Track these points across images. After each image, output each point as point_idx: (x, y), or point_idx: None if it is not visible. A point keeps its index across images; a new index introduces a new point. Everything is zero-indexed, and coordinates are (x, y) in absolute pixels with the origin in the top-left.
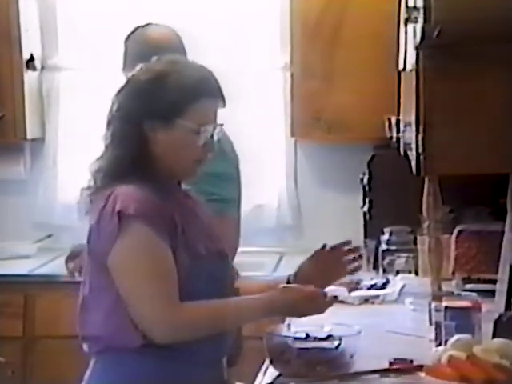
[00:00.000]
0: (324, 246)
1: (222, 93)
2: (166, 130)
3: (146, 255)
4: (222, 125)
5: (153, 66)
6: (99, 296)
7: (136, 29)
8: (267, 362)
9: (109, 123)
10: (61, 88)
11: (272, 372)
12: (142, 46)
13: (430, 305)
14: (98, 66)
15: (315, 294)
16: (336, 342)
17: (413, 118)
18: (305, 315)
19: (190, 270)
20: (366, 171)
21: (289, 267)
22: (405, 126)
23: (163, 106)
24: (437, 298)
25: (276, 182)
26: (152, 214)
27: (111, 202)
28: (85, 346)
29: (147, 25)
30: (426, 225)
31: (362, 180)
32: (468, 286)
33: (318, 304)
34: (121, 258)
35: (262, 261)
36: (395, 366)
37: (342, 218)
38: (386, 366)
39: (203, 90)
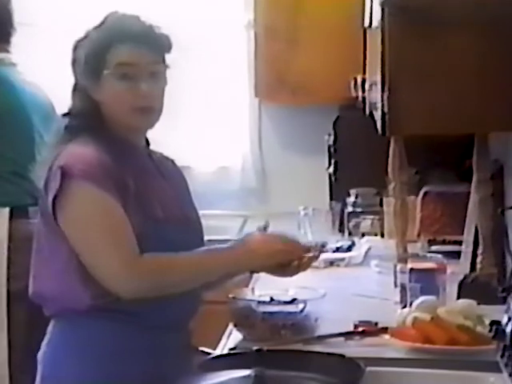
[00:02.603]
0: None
1: (150, 38)
2: (98, 83)
3: (95, 210)
4: (153, 72)
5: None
6: (50, 257)
7: None
8: (231, 326)
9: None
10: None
11: (236, 336)
12: None
13: (395, 267)
14: (54, 23)
15: (278, 237)
16: (300, 306)
17: (378, 77)
18: (273, 264)
19: (145, 235)
20: (332, 133)
21: (253, 230)
22: (370, 85)
23: (89, 61)
24: (402, 260)
25: (240, 144)
26: (98, 172)
27: (58, 161)
28: (44, 310)
29: None
30: (391, 186)
31: (327, 141)
32: (433, 248)
33: (284, 250)
34: (71, 216)
35: (225, 224)
36: (360, 329)
37: (307, 180)
38: (350, 328)
39: (119, 37)
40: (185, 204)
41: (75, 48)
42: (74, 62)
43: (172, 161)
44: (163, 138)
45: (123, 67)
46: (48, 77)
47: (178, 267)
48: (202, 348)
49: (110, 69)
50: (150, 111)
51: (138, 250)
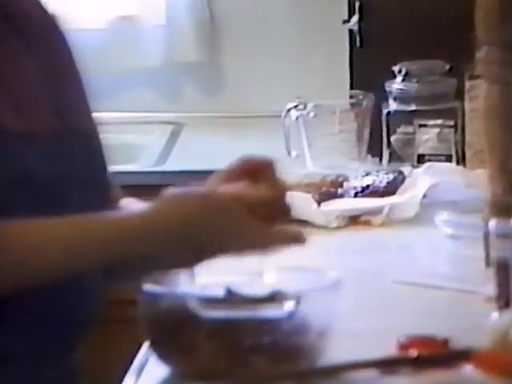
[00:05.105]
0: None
1: None
2: None
3: None
4: None
5: None
6: None
7: None
8: (146, 347)
9: None
10: None
11: (155, 369)
12: None
13: (485, 225)
14: None
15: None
16: (289, 306)
17: None
18: (237, 245)
19: None
20: None
21: (192, 153)
22: None
23: None
24: (501, 210)
25: None
26: None
27: None
28: None
29: None
30: (481, 54)
31: None
32: None
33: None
34: None
35: (138, 142)
36: (412, 352)
37: (303, 46)
38: (392, 351)
39: None
40: (71, 98)
41: None
42: None
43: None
44: None
45: None
46: None
47: (49, 242)
48: None
49: None
50: None
51: None
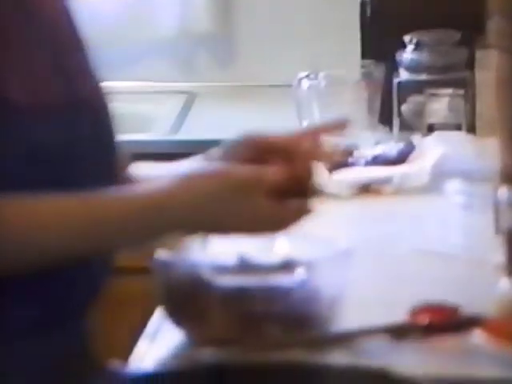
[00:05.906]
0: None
1: None
2: None
3: None
4: None
5: None
6: None
7: None
8: (159, 314)
9: None
10: None
11: (170, 335)
12: None
13: (495, 195)
14: None
15: (268, 176)
16: (299, 275)
17: None
18: (250, 228)
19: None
20: None
21: (205, 123)
22: None
23: None
24: (511, 179)
25: None
26: None
27: None
28: None
29: None
30: (492, 25)
31: None
32: None
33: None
34: None
35: (152, 111)
36: (422, 319)
37: (317, 16)
38: (403, 318)
39: None
40: (77, 69)
41: None
42: None
43: None
44: None
45: None
46: None
47: (47, 224)
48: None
49: None
50: None
51: None
